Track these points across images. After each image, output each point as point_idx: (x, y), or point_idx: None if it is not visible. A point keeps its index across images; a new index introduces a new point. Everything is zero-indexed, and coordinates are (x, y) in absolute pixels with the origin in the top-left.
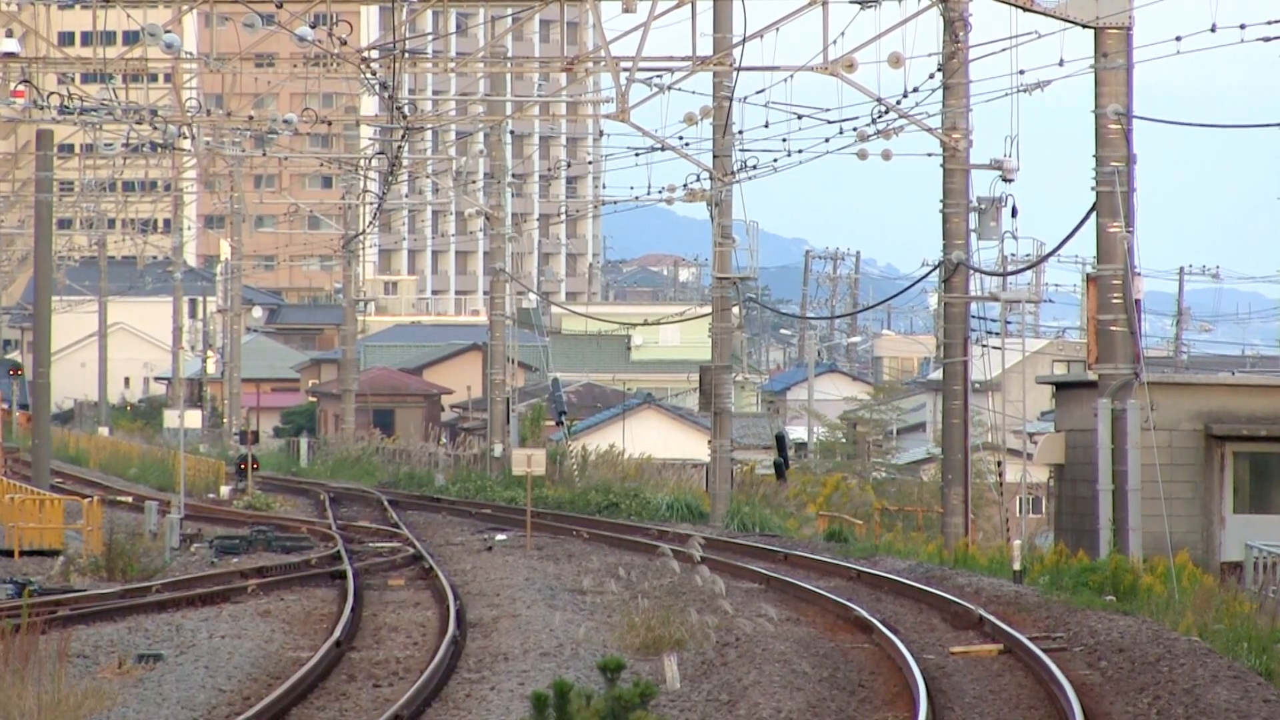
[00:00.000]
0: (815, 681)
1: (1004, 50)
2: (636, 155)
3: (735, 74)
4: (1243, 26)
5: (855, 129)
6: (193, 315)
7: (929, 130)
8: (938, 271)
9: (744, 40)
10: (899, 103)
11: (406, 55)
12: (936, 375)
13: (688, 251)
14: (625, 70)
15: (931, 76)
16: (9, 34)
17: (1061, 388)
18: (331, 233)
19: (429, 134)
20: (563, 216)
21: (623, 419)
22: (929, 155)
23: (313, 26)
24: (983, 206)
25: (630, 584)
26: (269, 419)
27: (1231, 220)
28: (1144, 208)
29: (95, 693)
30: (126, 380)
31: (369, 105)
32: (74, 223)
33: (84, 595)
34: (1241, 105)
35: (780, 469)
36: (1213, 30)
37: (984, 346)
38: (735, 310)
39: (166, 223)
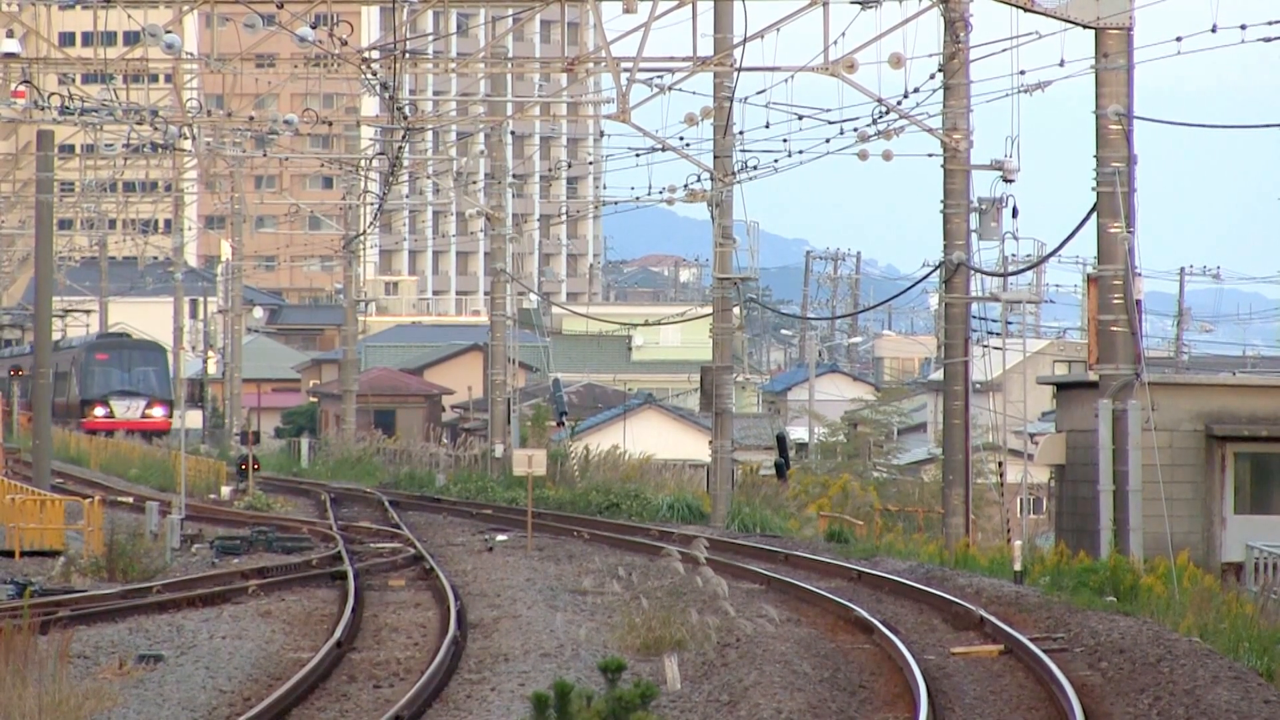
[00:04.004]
0: (816, 682)
1: (1005, 51)
2: (637, 156)
3: (736, 74)
4: (1243, 27)
5: (856, 129)
6: (193, 315)
7: (930, 131)
8: (938, 272)
9: (744, 41)
10: (900, 103)
11: (407, 56)
12: (937, 376)
13: (688, 252)
14: (626, 71)
15: (932, 77)
16: (10, 34)
17: (1062, 388)
18: (332, 233)
19: (430, 134)
20: (563, 217)
21: (624, 419)
22: (930, 156)
23: (313, 27)
24: (983, 207)
25: (631, 585)
26: (270, 419)
27: (1232, 221)
28: (1145, 208)
29: (96, 693)
30: None
31: (370, 106)
32: (75, 223)
33: (85, 596)
34: (1242, 105)
35: (781, 469)
36: (1213, 30)
37: (985, 347)
38: (736, 311)
39: (167, 223)
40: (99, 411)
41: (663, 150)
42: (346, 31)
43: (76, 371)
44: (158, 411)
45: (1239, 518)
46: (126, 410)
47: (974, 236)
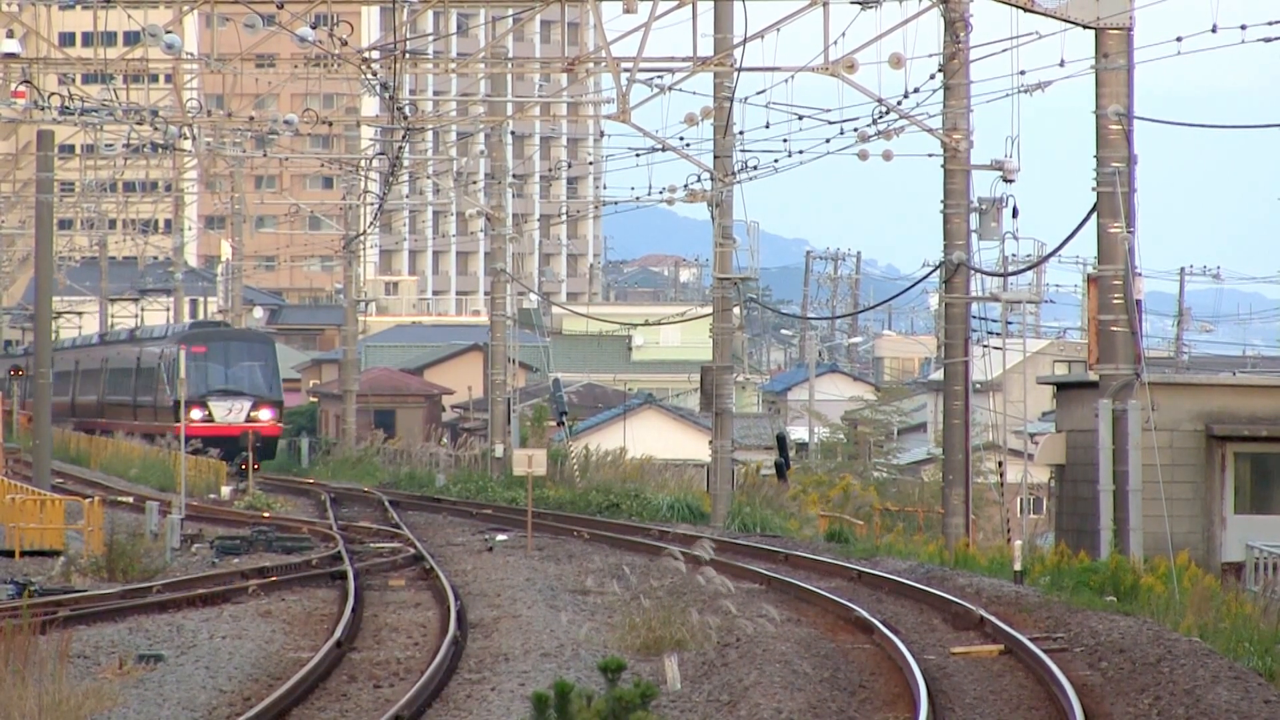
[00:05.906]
0: (816, 682)
1: (1005, 51)
2: (637, 156)
3: (736, 74)
4: (1244, 27)
5: (856, 129)
6: (194, 316)
7: (930, 131)
8: (938, 272)
9: (745, 41)
10: (900, 103)
11: (407, 56)
12: (937, 375)
13: (688, 252)
14: (626, 71)
15: (932, 77)
16: (10, 34)
17: (1062, 388)
18: (332, 233)
19: (430, 134)
20: (564, 217)
21: (624, 419)
22: (930, 156)
23: (313, 27)
24: (983, 207)
25: (631, 585)
26: None
27: (1232, 221)
28: (1145, 208)
29: (96, 693)
30: None
31: (370, 106)
32: (75, 223)
33: (84, 596)
34: (1243, 106)
35: (781, 469)
36: (1214, 31)
37: (985, 347)
38: (736, 311)
39: (167, 223)
40: (196, 415)
41: (663, 150)
42: (346, 31)
43: (166, 368)
44: (265, 414)
45: (1239, 518)
46: (228, 414)
47: (974, 236)
